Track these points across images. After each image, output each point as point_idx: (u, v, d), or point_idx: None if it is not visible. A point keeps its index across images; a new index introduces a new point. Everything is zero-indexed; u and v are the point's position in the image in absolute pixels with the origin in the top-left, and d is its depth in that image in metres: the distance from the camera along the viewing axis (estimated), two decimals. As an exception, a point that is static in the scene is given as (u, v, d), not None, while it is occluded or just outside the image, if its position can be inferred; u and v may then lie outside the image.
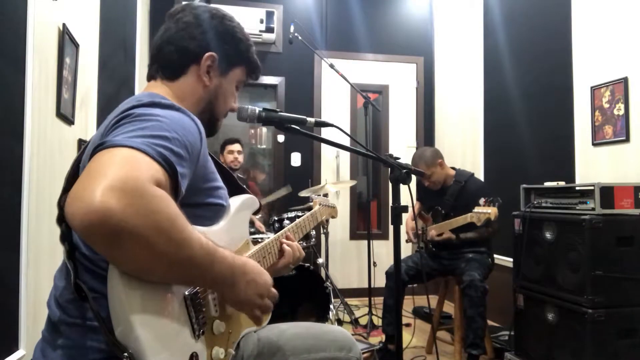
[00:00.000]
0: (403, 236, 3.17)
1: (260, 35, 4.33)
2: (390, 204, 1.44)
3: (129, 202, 0.66)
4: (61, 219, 0.87)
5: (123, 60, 3.26)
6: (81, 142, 2.30)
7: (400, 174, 1.38)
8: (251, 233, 1.50)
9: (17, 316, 1.61)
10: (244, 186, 1.20)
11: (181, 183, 0.79)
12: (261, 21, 4.29)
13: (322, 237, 3.97)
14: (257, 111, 1.22)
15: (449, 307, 3.42)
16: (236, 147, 3.77)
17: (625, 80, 2.52)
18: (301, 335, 1.22)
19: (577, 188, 2.32)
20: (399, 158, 1.46)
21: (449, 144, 4.55)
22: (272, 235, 1.22)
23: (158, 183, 0.72)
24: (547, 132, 3.16)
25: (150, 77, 1.09)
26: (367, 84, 4.66)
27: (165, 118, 0.83)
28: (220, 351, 0.92)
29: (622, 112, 2.54)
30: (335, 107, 4.73)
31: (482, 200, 2.67)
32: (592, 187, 2.18)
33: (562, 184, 2.45)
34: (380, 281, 3.12)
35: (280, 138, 4.59)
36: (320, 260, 3.49)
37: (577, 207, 2.27)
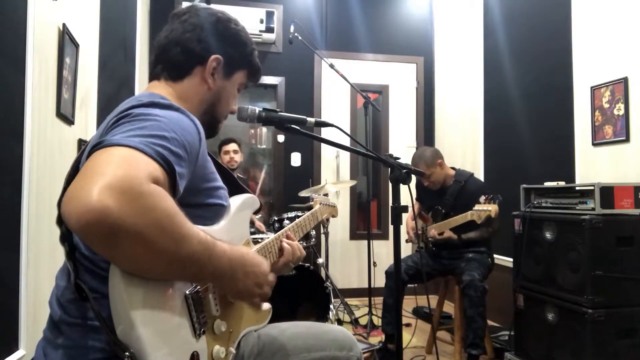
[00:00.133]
0: (403, 236, 3.17)
1: (260, 35, 4.33)
2: (390, 204, 1.45)
3: (126, 200, 0.66)
4: (61, 220, 0.87)
5: (123, 60, 3.26)
6: (81, 142, 2.30)
7: (400, 174, 1.38)
8: (251, 233, 1.50)
9: (17, 316, 1.61)
10: (245, 186, 1.20)
11: (179, 182, 0.79)
12: (261, 21, 4.29)
13: (322, 237, 3.97)
14: (257, 111, 1.22)
15: (449, 307, 3.42)
16: (232, 146, 3.76)
17: (625, 80, 2.52)
18: (302, 335, 1.22)
19: (577, 188, 2.32)
20: (399, 158, 1.46)
21: (449, 144, 4.56)
22: (272, 235, 1.22)
23: (156, 182, 0.72)
24: (547, 132, 3.17)
25: (153, 77, 1.08)
26: (367, 84, 4.66)
27: (164, 118, 0.83)
28: (221, 350, 0.92)
29: (622, 112, 2.54)
30: (335, 107, 4.73)
31: (482, 198, 2.67)
32: (592, 187, 2.18)
33: (562, 184, 2.45)
34: (380, 281, 3.12)
35: (280, 138, 4.59)
36: (320, 260, 3.49)
37: (577, 207, 2.27)
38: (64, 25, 2.01)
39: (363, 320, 3.59)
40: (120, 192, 0.65)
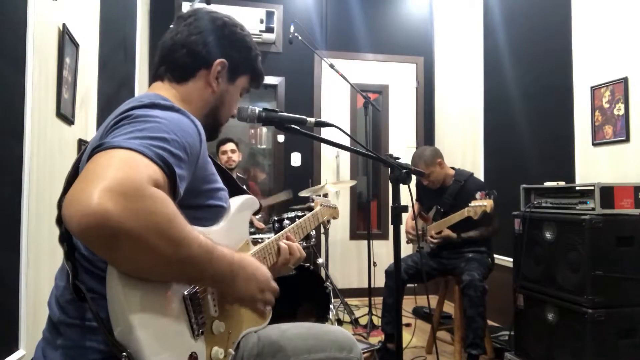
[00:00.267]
0: (403, 236, 3.17)
1: (260, 35, 4.34)
2: (390, 204, 1.45)
3: (126, 203, 0.66)
4: (60, 220, 0.87)
5: (123, 60, 3.26)
6: (81, 142, 2.30)
7: (400, 174, 1.38)
8: (251, 233, 1.50)
9: (17, 316, 1.61)
10: (244, 186, 1.20)
11: (179, 185, 0.79)
12: (261, 21, 4.29)
13: (322, 237, 3.97)
14: (257, 111, 1.22)
15: (449, 307, 3.42)
16: (229, 146, 3.76)
17: (625, 80, 2.52)
18: (302, 336, 1.22)
19: (577, 188, 2.32)
20: (399, 158, 1.46)
21: (449, 144, 4.55)
22: (272, 236, 1.22)
23: (156, 184, 0.72)
24: (547, 132, 3.16)
25: (157, 78, 1.09)
26: (367, 84, 4.66)
27: (165, 119, 0.83)
28: (219, 351, 0.92)
29: (622, 112, 2.54)
30: (335, 107, 4.73)
31: (478, 194, 2.69)
32: (592, 187, 2.18)
33: (562, 184, 2.45)
34: (380, 281, 3.12)
35: (280, 138, 4.59)
36: (320, 260, 3.48)
37: (577, 207, 2.27)
38: (64, 25, 2.01)
39: (363, 320, 3.59)
40: (120, 195, 0.65)
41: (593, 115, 2.74)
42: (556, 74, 3.07)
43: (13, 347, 1.58)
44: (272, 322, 1.19)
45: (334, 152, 4.63)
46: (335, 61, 4.01)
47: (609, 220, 2.12)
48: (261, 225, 3.57)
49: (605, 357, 2.06)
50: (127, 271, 0.74)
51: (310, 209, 1.52)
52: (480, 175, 3.87)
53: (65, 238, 0.87)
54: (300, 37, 3.73)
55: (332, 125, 1.34)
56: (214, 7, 1.16)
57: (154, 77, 1.10)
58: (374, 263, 3.82)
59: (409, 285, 3.06)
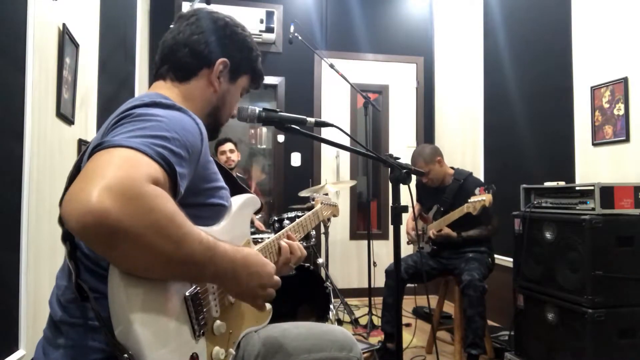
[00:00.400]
0: (403, 236, 3.17)
1: (260, 35, 4.34)
2: (390, 204, 1.45)
3: (126, 202, 0.66)
4: (62, 219, 0.87)
5: (123, 60, 3.26)
6: (81, 142, 2.30)
7: (400, 174, 1.38)
8: (251, 233, 1.49)
9: (17, 316, 1.61)
10: (245, 186, 1.20)
11: (180, 183, 0.79)
12: (261, 21, 4.29)
13: (322, 237, 3.97)
14: (257, 111, 1.22)
15: (449, 307, 3.42)
16: (228, 146, 3.76)
17: (625, 80, 2.52)
18: (302, 335, 1.22)
19: (577, 188, 2.32)
20: (399, 158, 1.46)
21: (449, 144, 4.55)
22: (272, 235, 1.22)
23: (156, 182, 0.72)
24: (547, 132, 3.16)
25: (158, 77, 1.09)
26: (367, 84, 4.66)
27: (166, 118, 0.83)
28: (220, 351, 0.92)
29: (622, 112, 2.54)
30: (335, 107, 4.73)
31: (477, 190, 2.69)
32: (592, 187, 2.18)
33: (562, 184, 2.45)
34: (380, 281, 3.12)
35: (280, 138, 4.59)
36: (320, 260, 3.49)
37: (577, 207, 2.27)
38: (64, 25, 2.01)
39: (363, 320, 3.59)
40: (119, 193, 0.65)
41: (593, 115, 2.74)
42: (556, 74, 3.07)
43: (13, 347, 1.58)
44: (272, 321, 1.19)
45: (334, 152, 4.63)
46: (335, 61, 4.01)
47: (609, 220, 2.12)
48: (262, 226, 3.57)
49: (605, 357, 2.06)
50: (127, 270, 0.73)
51: (310, 209, 1.52)
52: (480, 175, 3.87)
53: (68, 237, 0.87)
54: (300, 37, 3.73)
55: (332, 125, 1.34)
56: (214, 7, 1.16)
57: (155, 76, 1.10)
58: (374, 263, 3.82)
59: (409, 285, 3.06)
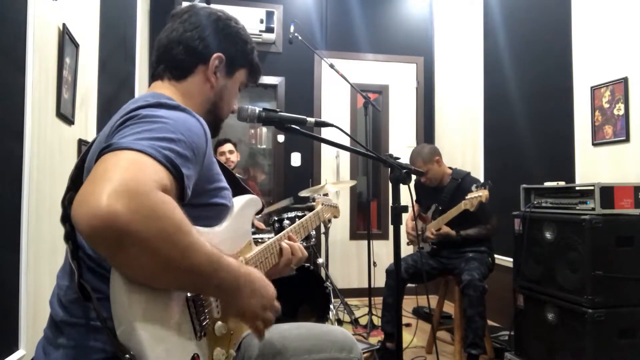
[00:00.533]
0: (403, 236, 3.17)
1: (260, 35, 4.33)
2: (390, 204, 1.45)
3: (135, 207, 0.66)
4: (65, 218, 0.87)
5: (123, 60, 3.26)
6: (81, 142, 2.30)
7: (400, 174, 1.38)
8: (252, 233, 1.49)
9: (17, 316, 1.61)
10: (246, 186, 1.20)
11: (187, 185, 0.79)
12: (261, 21, 4.29)
13: (322, 237, 3.97)
14: (257, 111, 1.22)
15: (449, 307, 3.42)
16: (227, 147, 3.76)
17: (625, 80, 2.52)
18: (302, 336, 1.22)
19: (577, 188, 2.32)
20: (399, 158, 1.46)
21: (449, 144, 4.55)
22: (272, 236, 1.22)
23: (164, 186, 0.72)
24: (547, 132, 3.16)
25: (156, 77, 1.09)
26: (367, 84, 4.66)
27: (171, 119, 0.83)
28: (221, 352, 0.92)
29: (622, 112, 2.54)
30: (335, 107, 4.73)
31: (473, 187, 2.69)
32: (592, 187, 2.18)
33: (562, 184, 2.45)
34: (380, 281, 3.12)
35: (280, 138, 4.59)
36: (320, 260, 3.49)
37: (577, 207, 2.27)
38: (64, 25, 2.01)
39: (363, 320, 3.59)
40: (128, 198, 0.66)
41: (593, 115, 2.74)
42: (556, 74, 3.07)
43: (13, 347, 1.58)
44: (272, 322, 1.19)
45: (334, 152, 4.63)
46: (335, 61, 4.01)
47: (609, 220, 2.12)
48: (262, 225, 3.57)
49: (605, 357, 2.06)
50: (131, 276, 0.73)
51: (311, 209, 1.52)
52: (480, 175, 3.87)
53: (70, 236, 0.87)
54: (300, 37, 3.73)
55: (332, 125, 1.34)
56: (213, 7, 1.16)
57: (153, 76, 1.10)
58: (374, 263, 3.82)
59: (409, 285, 3.06)
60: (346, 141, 3.96)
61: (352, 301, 4.19)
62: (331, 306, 3.07)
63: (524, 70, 3.43)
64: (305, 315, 3.00)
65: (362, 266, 4.50)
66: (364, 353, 2.28)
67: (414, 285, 3.35)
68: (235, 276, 0.84)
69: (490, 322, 3.14)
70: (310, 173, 4.61)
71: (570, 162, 2.91)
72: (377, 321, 3.40)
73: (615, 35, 2.62)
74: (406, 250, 4.13)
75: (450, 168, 3.07)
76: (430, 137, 4.89)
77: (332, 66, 3.67)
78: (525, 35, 3.43)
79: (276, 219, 3.27)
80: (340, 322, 3.54)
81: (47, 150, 1.88)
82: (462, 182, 2.93)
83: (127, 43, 3.36)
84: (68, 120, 2.13)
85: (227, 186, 1.03)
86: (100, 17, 2.61)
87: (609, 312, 2.07)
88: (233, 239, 1.02)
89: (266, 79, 4.55)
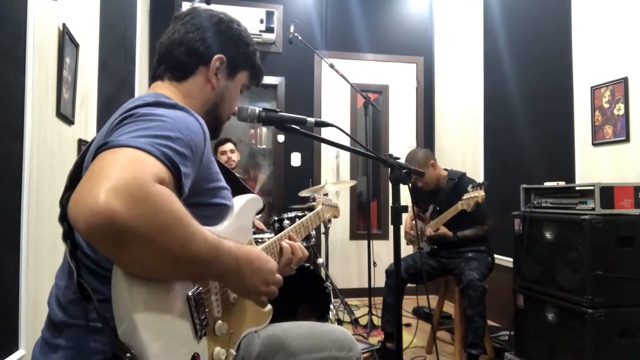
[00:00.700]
0: (403, 236, 3.18)
1: (260, 35, 4.34)
2: (390, 204, 1.45)
3: (133, 203, 0.66)
4: (63, 218, 0.87)
5: (123, 60, 3.26)
6: (81, 142, 2.30)
7: (400, 174, 1.38)
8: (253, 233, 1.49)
9: (17, 316, 1.61)
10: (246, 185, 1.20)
11: (185, 183, 0.79)
12: (261, 21, 4.29)
13: (322, 237, 3.97)
14: (257, 111, 1.22)
15: (449, 307, 3.42)
16: (228, 146, 3.76)
17: (625, 80, 2.52)
18: (302, 335, 1.22)
19: (577, 188, 2.32)
20: (399, 158, 1.47)
21: (449, 144, 4.55)
22: (272, 236, 1.22)
23: (162, 183, 0.72)
24: (547, 132, 3.17)
25: (157, 78, 1.09)
26: (367, 84, 4.66)
27: (169, 118, 0.83)
28: (221, 352, 0.92)
29: (622, 112, 2.54)
30: (335, 107, 4.73)
31: (469, 187, 2.70)
32: (592, 187, 2.18)
33: (562, 184, 2.45)
34: (380, 281, 3.12)
35: (280, 138, 4.59)
36: (320, 260, 3.49)
37: (577, 207, 2.27)
38: (64, 25, 2.01)
39: (363, 320, 3.59)
40: (126, 194, 0.65)
41: (593, 115, 2.74)
42: (556, 74, 3.07)
43: (13, 347, 1.58)
44: (272, 321, 1.19)
45: (334, 152, 4.63)
46: (335, 61, 4.01)
47: (609, 220, 2.12)
48: (261, 225, 3.57)
49: (605, 357, 2.06)
50: (133, 272, 0.73)
51: (311, 209, 1.52)
52: (480, 175, 3.87)
53: (69, 235, 0.87)
54: (300, 37, 3.73)
55: (332, 125, 1.34)
56: (213, 7, 1.16)
57: (153, 77, 1.10)
58: (374, 263, 3.82)
59: (409, 285, 3.06)
60: (346, 141, 3.96)
61: (352, 301, 4.19)
62: (331, 306, 3.07)
63: (524, 70, 3.43)
64: (305, 315, 3.00)
65: (362, 266, 4.50)
66: (364, 353, 2.28)
67: (414, 285, 3.35)
68: (236, 259, 0.85)
69: (490, 322, 3.14)
70: (310, 173, 4.61)
71: (570, 162, 2.91)
72: (377, 321, 3.40)
73: (615, 35, 2.62)
74: (406, 250, 4.14)
75: (445, 169, 3.08)
76: (430, 137, 4.89)
77: (332, 66, 3.67)
78: (525, 35, 3.43)
79: (276, 219, 3.27)
80: (340, 322, 3.54)
81: (47, 150, 1.88)
82: (458, 182, 2.94)
83: (127, 43, 3.36)
84: (68, 120, 2.13)
85: (227, 186, 1.03)
86: (100, 17, 2.61)
87: (609, 312, 2.07)
88: (234, 238, 1.02)
89: (266, 79, 4.55)
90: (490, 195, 2.66)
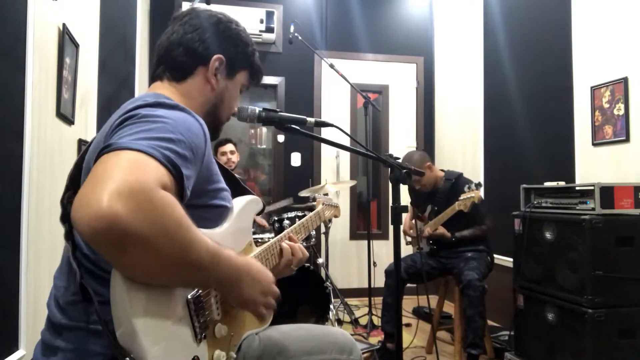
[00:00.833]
0: (403, 236, 3.18)
1: (260, 35, 4.33)
2: (390, 204, 1.44)
3: (136, 206, 0.66)
4: (64, 218, 0.87)
5: (123, 60, 3.26)
6: (81, 142, 2.30)
7: (400, 174, 1.38)
8: (253, 233, 1.49)
9: (17, 316, 1.61)
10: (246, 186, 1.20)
11: (186, 185, 0.79)
12: (261, 21, 4.29)
13: (322, 237, 3.97)
14: (257, 111, 1.22)
15: (449, 307, 3.42)
16: (228, 147, 3.75)
17: (625, 80, 2.52)
18: (302, 338, 1.22)
19: (577, 188, 2.32)
20: (399, 158, 1.47)
21: (449, 144, 4.55)
22: (273, 236, 1.22)
23: (164, 186, 0.72)
24: (547, 132, 3.16)
25: (156, 78, 1.08)
26: (367, 84, 4.66)
27: (170, 119, 0.83)
28: (221, 354, 0.91)
29: (622, 112, 2.54)
30: (335, 107, 4.73)
31: (466, 187, 2.71)
32: (592, 187, 2.18)
33: (562, 184, 2.45)
34: (380, 281, 3.12)
35: (280, 138, 4.59)
36: (320, 260, 3.48)
37: (577, 207, 2.27)
38: (64, 25, 2.01)
39: (363, 321, 3.59)
40: (129, 198, 0.65)
41: (593, 115, 2.74)
42: (556, 74, 3.07)
43: (13, 347, 1.58)
44: (272, 322, 1.19)
45: (334, 152, 4.63)
46: (335, 61, 4.01)
47: (609, 220, 2.12)
48: (263, 222, 3.56)
49: (605, 357, 2.06)
50: (133, 276, 0.73)
51: (311, 209, 1.52)
52: (480, 175, 3.87)
53: (70, 236, 0.87)
54: (300, 37, 3.73)
55: (332, 125, 1.33)
56: (213, 7, 1.16)
57: (152, 77, 1.09)
58: (374, 263, 3.82)
59: (409, 285, 3.06)
60: (346, 141, 3.96)
61: (352, 301, 4.19)
62: (331, 306, 3.07)
63: (524, 70, 3.42)
64: (305, 315, 3.00)
65: (362, 266, 4.49)
66: (364, 353, 2.28)
67: (414, 285, 3.35)
68: (236, 268, 0.85)
69: (490, 322, 3.14)
70: (310, 173, 4.61)
71: (570, 162, 2.91)
72: (377, 321, 3.40)
73: (615, 35, 2.62)
74: (406, 250, 4.14)
75: (442, 170, 3.08)
76: (430, 137, 4.89)
77: (332, 66, 3.67)
78: (525, 35, 3.43)
79: (276, 219, 3.27)
80: (340, 322, 3.54)
81: (47, 150, 1.88)
82: (455, 182, 2.94)
83: (127, 43, 3.36)
84: (68, 120, 2.13)
85: (226, 187, 1.03)
86: (100, 17, 2.61)
87: (609, 312, 2.07)
88: (233, 240, 1.02)
89: (266, 79, 4.55)
90: (490, 195, 2.66)
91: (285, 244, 1.20)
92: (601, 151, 2.69)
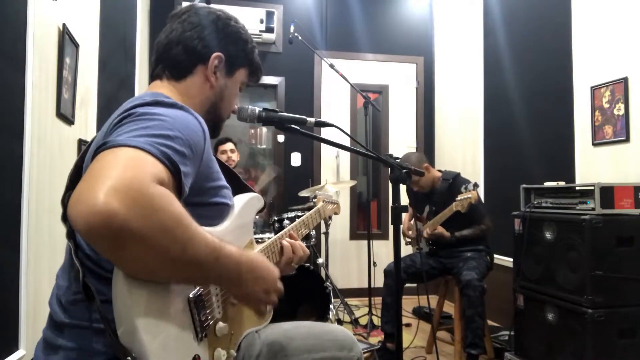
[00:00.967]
0: (402, 237, 3.18)
1: (260, 35, 4.33)
2: (390, 204, 1.45)
3: (133, 202, 0.65)
4: (66, 217, 0.87)
5: (123, 60, 3.26)
6: (81, 142, 2.30)
7: (400, 174, 1.38)
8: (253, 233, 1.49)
9: (17, 316, 1.61)
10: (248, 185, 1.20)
11: (184, 182, 0.79)
12: (261, 21, 4.29)
13: (322, 237, 3.97)
14: (257, 111, 1.22)
15: (449, 307, 3.42)
16: (228, 146, 3.75)
17: (625, 80, 2.52)
18: (302, 335, 1.22)
19: (577, 188, 2.32)
20: (398, 158, 1.46)
21: (449, 144, 4.55)
22: (272, 235, 1.22)
23: (161, 182, 0.71)
24: (547, 132, 3.17)
25: (155, 77, 1.08)
26: (367, 84, 4.66)
27: (169, 117, 0.83)
28: (222, 353, 0.91)
29: (622, 112, 2.54)
30: (335, 107, 4.73)
31: (463, 188, 2.72)
32: (592, 187, 2.18)
33: (562, 184, 2.45)
34: (380, 281, 3.12)
35: (280, 138, 4.59)
36: (320, 260, 3.48)
37: (577, 207, 2.27)
38: (64, 25, 2.01)
39: (363, 320, 3.59)
40: (126, 194, 0.65)
41: (593, 115, 2.74)
42: (556, 74, 3.07)
43: (13, 347, 1.58)
44: (272, 321, 1.19)
45: (334, 152, 4.63)
46: (335, 61, 4.01)
47: (609, 220, 2.12)
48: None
49: (605, 357, 2.06)
50: (132, 273, 0.73)
51: (310, 209, 1.52)
52: (480, 175, 3.87)
53: (72, 235, 0.87)
54: (300, 37, 3.73)
55: (332, 125, 1.33)
56: (213, 7, 1.16)
57: (152, 76, 1.09)
58: (374, 263, 3.82)
59: (409, 285, 3.06)
60: (346, 141, 3.96)
61: (352, 301, 4.19)
62: (331, 306, 3.07)
63: (524, 70, 3.42)
64: (305, 315, 3.00)
65: (362, 266, 4.49)
66: (364, 353, 2.28)
67: (413, 285, 3.34)
68: (237, 264, 0.84)
69: (490, 322, 3.14)
70: (310, 173, 4.61)
71: (570, 162, 2.91)
72: (377, 321, 3.40)
73: (615, 35, 2.62)
74: (405, 250, 4.14)
75: (439, 170, 3.08)
76: (430, 137, 4.89)
77: (332, 66, 3.67)
78: (525, 35, 3.43)
79: (276, 218, 3.27)
80: (340, 322, 3.54)
81: (47, 150, 1.88)
82: (452, 183, 2.94)
83: (127, 43, 3.36)
84: (68, 120, 2.13)
85: (227, 185, 1.03)
86: (100, 17, 2.61)
87: (609, 312, 2.07)
88: (235, 237, 1.02)
89: (266, 79, 4.55)
90: (490, 195, 2.67)
91: (285, 242, 1.20)
92: (601, 151, 2.69)
